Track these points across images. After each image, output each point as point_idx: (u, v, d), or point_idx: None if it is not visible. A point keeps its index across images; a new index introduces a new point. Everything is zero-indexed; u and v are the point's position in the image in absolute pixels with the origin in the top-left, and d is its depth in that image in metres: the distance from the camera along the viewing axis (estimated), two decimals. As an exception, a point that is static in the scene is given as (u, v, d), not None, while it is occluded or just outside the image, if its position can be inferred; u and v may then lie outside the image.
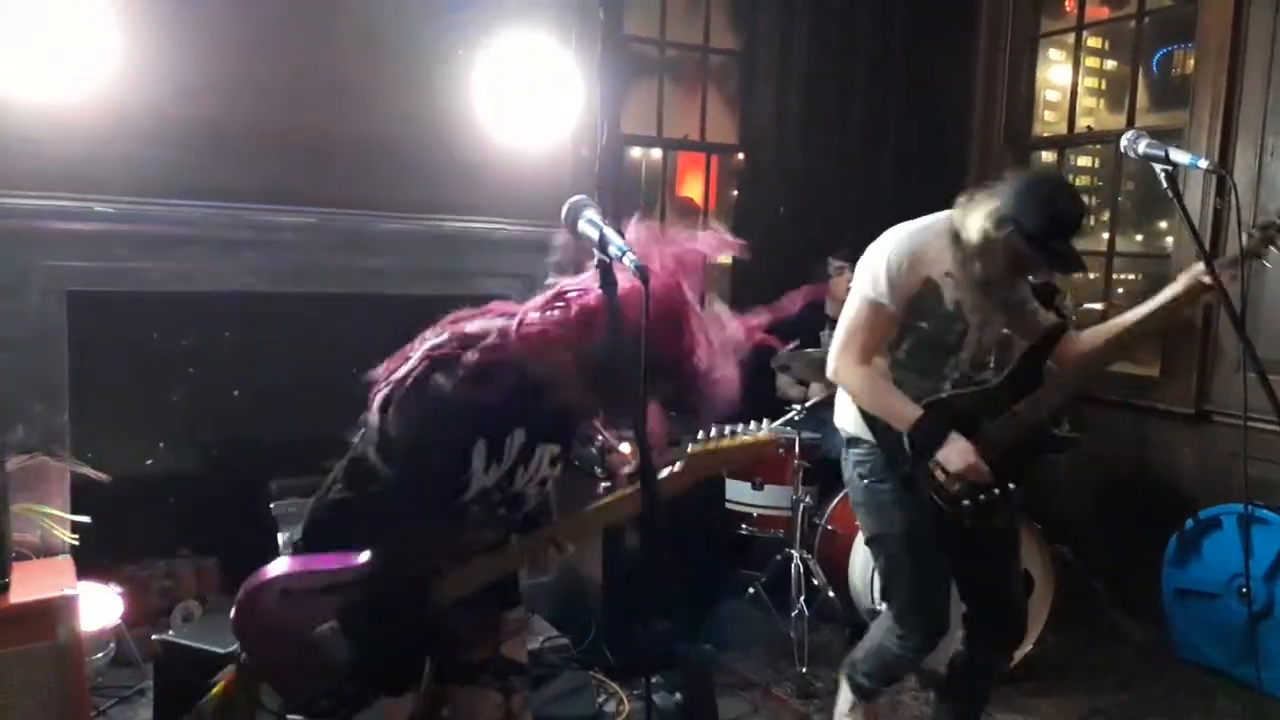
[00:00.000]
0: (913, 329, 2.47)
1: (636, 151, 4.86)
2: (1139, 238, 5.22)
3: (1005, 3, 4.99)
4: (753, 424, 1.89)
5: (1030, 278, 2.55)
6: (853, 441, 2.59)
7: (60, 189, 3.03)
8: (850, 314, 2.49)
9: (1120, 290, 5.06)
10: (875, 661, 2.69)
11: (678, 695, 2.90)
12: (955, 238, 2.41)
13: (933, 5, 4.97)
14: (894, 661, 2.66)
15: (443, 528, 1.80)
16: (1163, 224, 5.04)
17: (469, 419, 1.70)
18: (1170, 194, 2.15)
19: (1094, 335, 2.54)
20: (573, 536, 1.88)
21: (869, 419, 2.51)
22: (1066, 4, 4.92)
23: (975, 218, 2.36)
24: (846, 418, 2.59)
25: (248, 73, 3.25)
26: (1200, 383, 4.03)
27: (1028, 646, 3.51)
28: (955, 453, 2.38)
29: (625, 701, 3.20)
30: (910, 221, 2.51)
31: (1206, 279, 2.31)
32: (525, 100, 3.65)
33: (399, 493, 1.73)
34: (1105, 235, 4.75)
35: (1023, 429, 2.44)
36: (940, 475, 2.41)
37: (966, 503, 2.42)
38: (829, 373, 2.54)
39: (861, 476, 2.57)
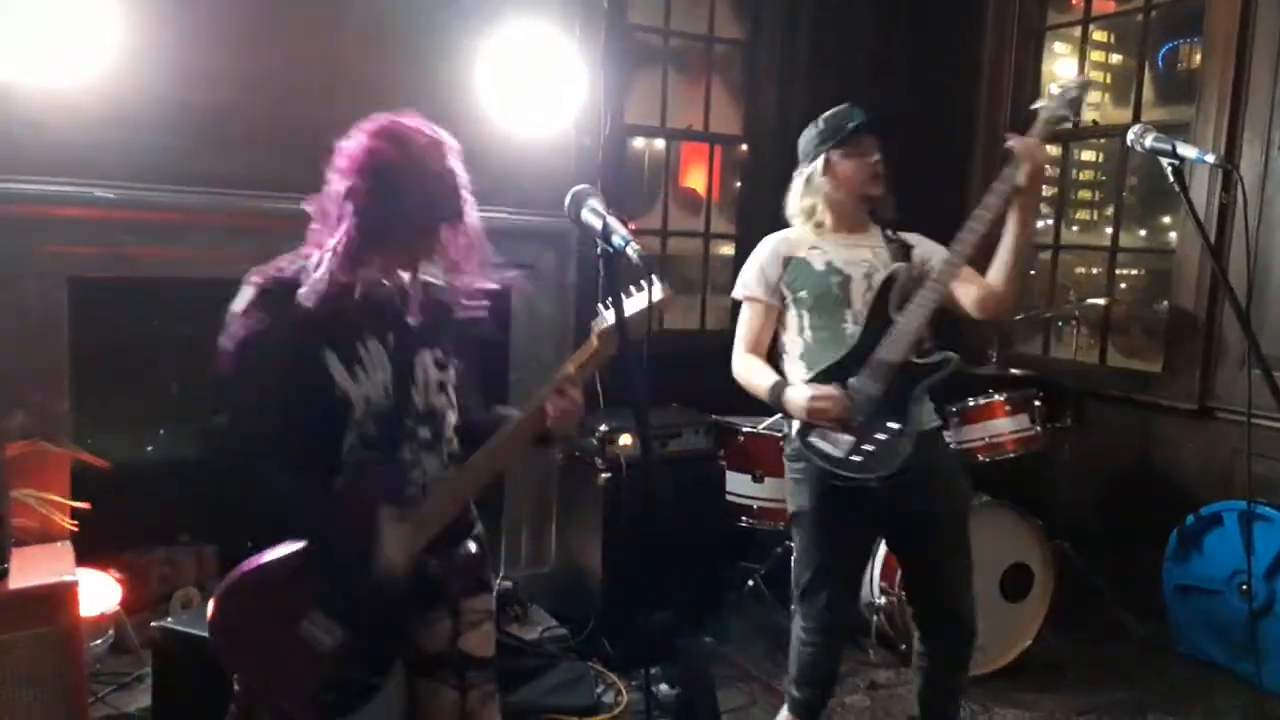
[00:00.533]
0: (799, 303, 2.61)
1: (640, 141, 4.83)
2: (1142, 233, 5.20)
3: (1011, -5, 4.98)
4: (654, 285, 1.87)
5: (875, 192, 2.61)
6: (785, 435, 2.68)
7: (62, 174, 3.02)
8: (739, 319, 2.71)
9: (1123, 285, 5.05)
10: (795, 663, 2.68)
11: (676, 688, 2.90)
12: (804, 222, 2.66)
13: (939, -3, 4.96)
14: (805, 657, 2.64)
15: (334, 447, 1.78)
16: (1166, 219, 5.03)
17: (296, 327, 1.73)
18: (1177, 188, 2.14)
19: (992, 269, 2.54)
20: (529, 427, 1.85)
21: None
22: (1073, -3, 4.90)
23: (792, 191, 2.67)
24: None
25: (251, 60, 3.24)
26: (1204, 379, 4.02)
27: (1027, 641, 3.52)
28: (796, 399, 2.45)
29: (624, 692, 3.21)
30: None
31: (1011, 144, 2.40)
32: (528, 89, 3.62)
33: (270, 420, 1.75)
34: (1109, 230, 4.73)
35: (888, 370, 2.45)
36: (817, 441, 2.47)
37: (857, 458, 2.43)
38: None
39: (785, 458, 2.67)
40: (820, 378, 2.50)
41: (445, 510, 1.82)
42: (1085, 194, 5.41)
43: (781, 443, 2.75)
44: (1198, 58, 4.20)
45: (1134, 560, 3.99)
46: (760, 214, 4.78)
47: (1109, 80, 5.09)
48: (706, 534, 3.62)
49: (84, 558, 2.82)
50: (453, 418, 1.91)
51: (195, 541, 3.50)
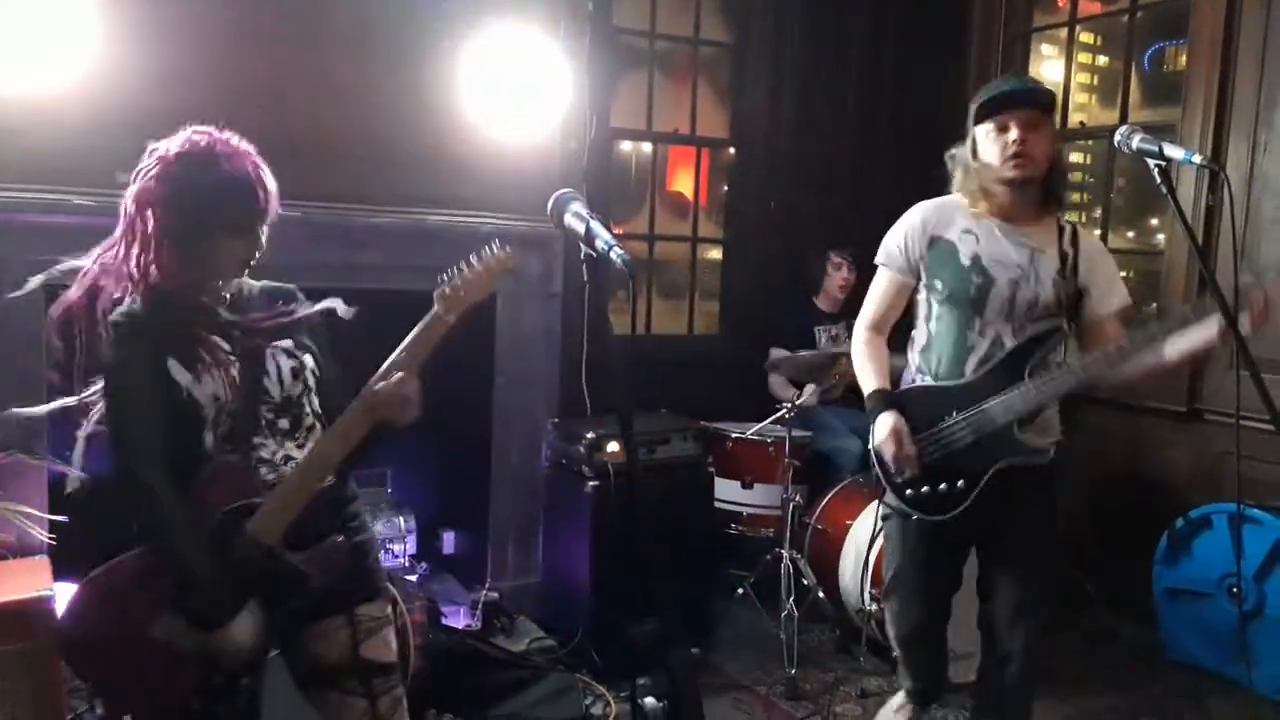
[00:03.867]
0: (933, 290, 2.46)
1: (626, 145, 4.81)
2: (1131, 234, 5.20)
3: (998, -3, 4.97)
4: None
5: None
6: None
7: (39, 181, 2.97)
8: (872, 284, 2.60)
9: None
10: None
11: (664, 701, 2.86)
12: (968, 200, 2.45)
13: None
14: (900, 656, 2.79)
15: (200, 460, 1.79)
16: (1154, 220, 5.02)
17: (133, 339, 1.79)
18: (1164, 189, 2.12)
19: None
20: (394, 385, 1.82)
21: None
22: (1059, -1, 4.90)
23: (955, 173, 2.48)
24: None
25: (232, 65, 3.19)
26: (1192, 380, 4.00)
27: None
28: (880, 426, 2.42)
29: (612, 704, 3.17)
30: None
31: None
32: (512, 93, 3.59)
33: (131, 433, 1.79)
34: (1098, 232, 4.72)
35: (981, 430, 2.37)
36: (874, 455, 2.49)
37: (910, 491, 2.44)
38: None
39: None
40: (929, 396, 2.44)
41: (300, 490, 1.80)
42: (1074, 195, 5.40)
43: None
44: (1183, 59, 4.20)
45: (1124, 563, 3.97)
46: (747, 217, 4.78)
47: (1096, 82, 5.08)
48: (695, 541, 3.59)
49: (61, 571, 2.77)
50: (316, 403, 1.94)
51: (176, 553, 3.45)
